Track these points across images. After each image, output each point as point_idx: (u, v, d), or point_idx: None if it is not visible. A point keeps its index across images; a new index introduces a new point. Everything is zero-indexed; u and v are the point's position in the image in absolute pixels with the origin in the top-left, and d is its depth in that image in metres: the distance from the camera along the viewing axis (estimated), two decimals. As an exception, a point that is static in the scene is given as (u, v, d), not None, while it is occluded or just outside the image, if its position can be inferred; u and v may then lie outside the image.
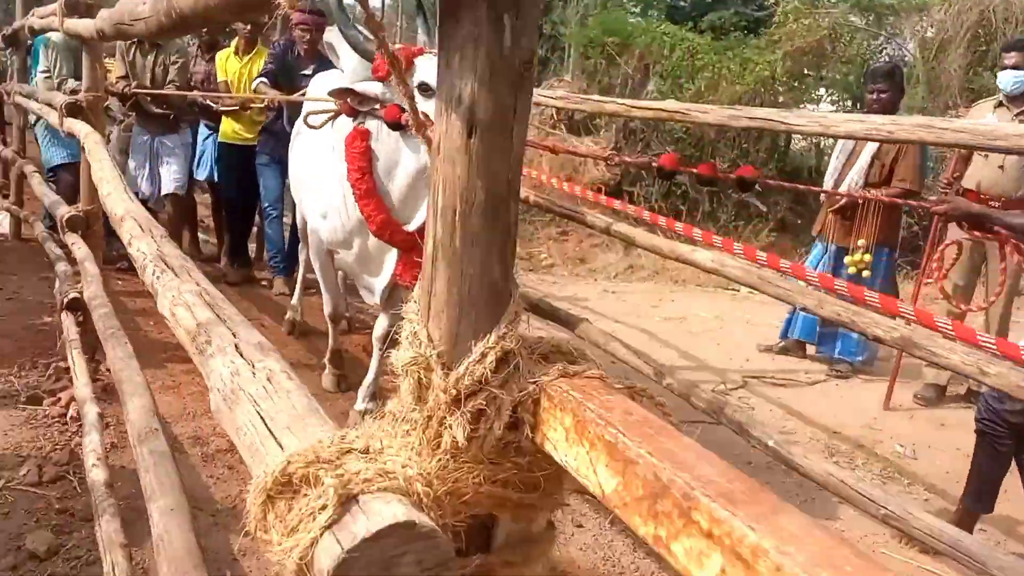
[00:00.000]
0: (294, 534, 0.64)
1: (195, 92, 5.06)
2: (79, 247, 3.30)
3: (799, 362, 4.68)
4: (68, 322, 3.08)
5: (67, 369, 2.96)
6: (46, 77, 4.99)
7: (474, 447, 0.80)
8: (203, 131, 5.35)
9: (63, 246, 3.71)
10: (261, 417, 0.80)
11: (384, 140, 2.68)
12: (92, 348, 3.00)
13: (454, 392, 0.80)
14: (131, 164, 5.12)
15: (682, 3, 18.35)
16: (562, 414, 0.78)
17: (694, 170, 2.64)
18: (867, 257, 4.25)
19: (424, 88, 2.39)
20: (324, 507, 0.63)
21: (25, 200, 5.70)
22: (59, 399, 2.95)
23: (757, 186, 5.44)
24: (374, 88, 2.61)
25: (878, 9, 12.28)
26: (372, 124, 2.71)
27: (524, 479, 0.82)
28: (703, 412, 2.43)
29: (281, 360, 0.95)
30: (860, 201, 4.26)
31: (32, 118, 5.35)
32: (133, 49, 5.02)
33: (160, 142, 5.14)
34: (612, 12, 15.17)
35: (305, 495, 0.65)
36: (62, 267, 3.61)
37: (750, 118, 2.21)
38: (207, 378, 0.99)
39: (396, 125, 2.51)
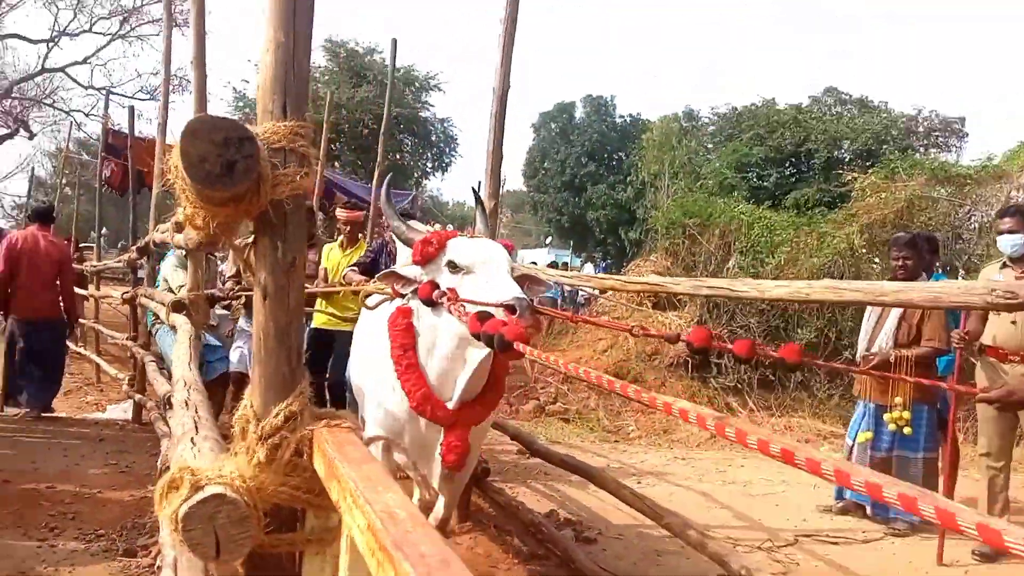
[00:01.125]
0: (171, 505, 1.15)
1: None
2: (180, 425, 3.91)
3: (858, 522, 4.69)
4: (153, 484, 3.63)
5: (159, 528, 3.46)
6: (164, 281, 5.94)
7: (273, 465, 1.41)
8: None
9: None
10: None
11: (424, 318, 2.74)
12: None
13: (261, 433, 1.46)
14: (242, 344, 5.80)
15: (766, 184, 19.19)
16: (319, 447, 1.40)
17: (729, 347, 2.33)
18: (905, 414, 4.40)
19: (452, 265, 2.60)
20: (184, 491, 1.17)
21: (147, 388, 6.54)
22: (149, 551, 3.45)
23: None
24: (414, 271, 2.78)
25: (956, 180, 12.50)
26: (414, 303, 2.77)
27: (309, 487, 1.41)
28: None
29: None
30: (892, 361, 4.48)
31: (150, 318, 6.25)
32: (248, 250, 5.73)
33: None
34: (692, 195, 16.02)
35: (177, 488, 1.14)
36: (165, 442, 4.21)
37: (709, 287, 2.62)
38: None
39: (428, 302, 2.59)
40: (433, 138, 25.26)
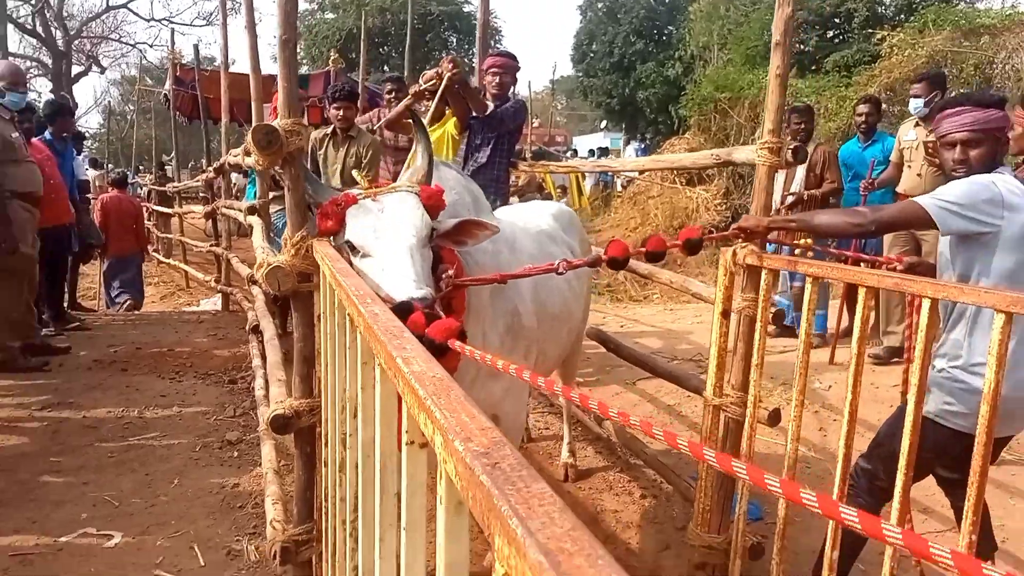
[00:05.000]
0: (260, 271, 2.57)
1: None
2: (256, 295, 5.50)
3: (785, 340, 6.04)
4: (253, 340, 5.25)
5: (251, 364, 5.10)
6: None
7: (297, 256, 2.53)
8: None
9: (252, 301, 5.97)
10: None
11: None
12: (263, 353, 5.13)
13: (292, 244, 2.52)
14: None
15: (807, 48, 19.48)
16: (315, 246, 2.65)
17: (642, 249, 2.63)
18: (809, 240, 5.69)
19: (351, 246, 2.16)
20: (264, 267, 2.58)
21: (233, 280, 8.25)
22: (246, 380, 5.11)
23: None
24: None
25: (980, 30, 12.87)
26: None
27: (313, 263, 2.61)
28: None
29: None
30: (805, 199, 5.78)
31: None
32: (326, 143, 5.39)
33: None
34: (721, 70, 16.67)
35: (262, 266, 2.57)
36: (251, 314, 5.83)
37: (593, 164, 3.93)
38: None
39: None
40: (477, 32, 26.00)
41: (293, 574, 2.51)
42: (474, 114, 4.85)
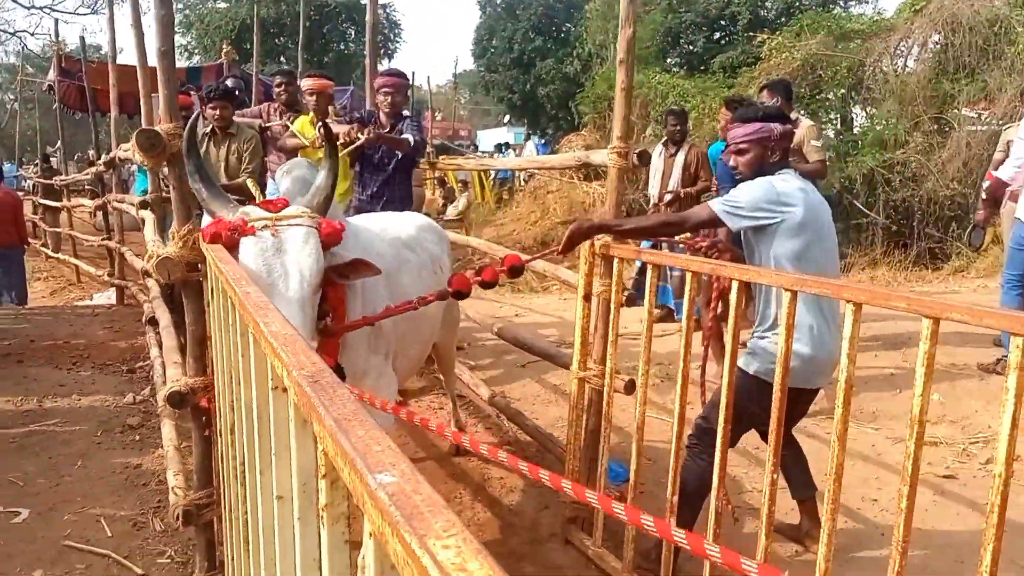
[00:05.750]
0: (151, 263, 2.80)
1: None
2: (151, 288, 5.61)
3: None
4: (150, 330, 5.37)
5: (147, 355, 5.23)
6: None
7: (185, 247, 2.78)
8: None
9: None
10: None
11: None
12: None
13: (180, 236, 2.87)
14: None
15: (696, 50, 20.44)
16: (202, 237, 2.91)
17: (477, 279, 2.97)
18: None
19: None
20: (155, 258, 2.79)
21: (127, 274, 8.23)
22: (144, 369, 5.24)
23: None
24: None
25: (850, 36, 13.83)
26: None
27: (200, 255, 2.87)
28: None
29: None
30: (682, 196, 6.28)
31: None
32: (206, 142, 5.43)
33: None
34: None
35: (151, 258, 2.81)
36: (147, 306, 5.93)
37: (478, 163, 4.25)
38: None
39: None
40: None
41: (196, 535, 2.76)
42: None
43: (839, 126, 14.21)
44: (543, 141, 20.35)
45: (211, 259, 2.10)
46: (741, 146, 2.95)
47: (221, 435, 2.25)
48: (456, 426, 4.41)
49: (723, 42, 20.23)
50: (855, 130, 13.89)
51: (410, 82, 5.25)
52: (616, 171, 3.14)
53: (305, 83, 5.37)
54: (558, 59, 27.16)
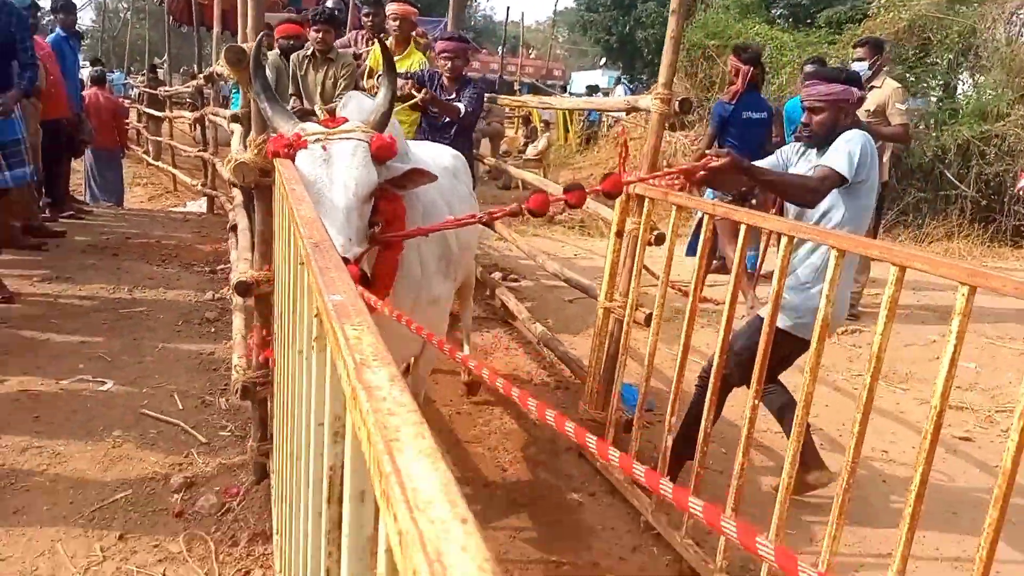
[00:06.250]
0: (229, 165, 3.18)
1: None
2: (236, 197, 6.10)
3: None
4: (232, 236, 5.87)
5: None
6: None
7: (259, 155, 3.20)
8: None
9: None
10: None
11: None
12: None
13: (254, 143, 3.22)
14: None
15: (803, 1, 19.81)
16: (270, 144, 3.27)
17: (563, 198, 2.85)
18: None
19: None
20: (232, 161, 3.17)
21: (218, 185, 8.82)
22: (225, 270, 5.76)
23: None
24: None
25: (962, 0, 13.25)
26: None
27: (271, 164, 3.25)
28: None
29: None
30: None
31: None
32: (306, 64, 5.58)
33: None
34: (713, 15, 16.99)
35: (231, 161, 3.19)
36: (231, 214, 6.45)
37: (543, 103, 4.50)
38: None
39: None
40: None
41: (252, 410, 3.19)
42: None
43: (941, 93, 13.76)
44: (633, 86, 20.18)
45: (276, 165, 2.45)
46: (817, 104, 2.93)
47: (277, 320, 2.64)
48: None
49: (832, -3, 19.54)
50: (958, 98, 13.41)
51: (470, 47, 5.25)
52: (658, 116, 3.35)
53: (389, 8, 5.56)
54: (660, 2, 26.66)
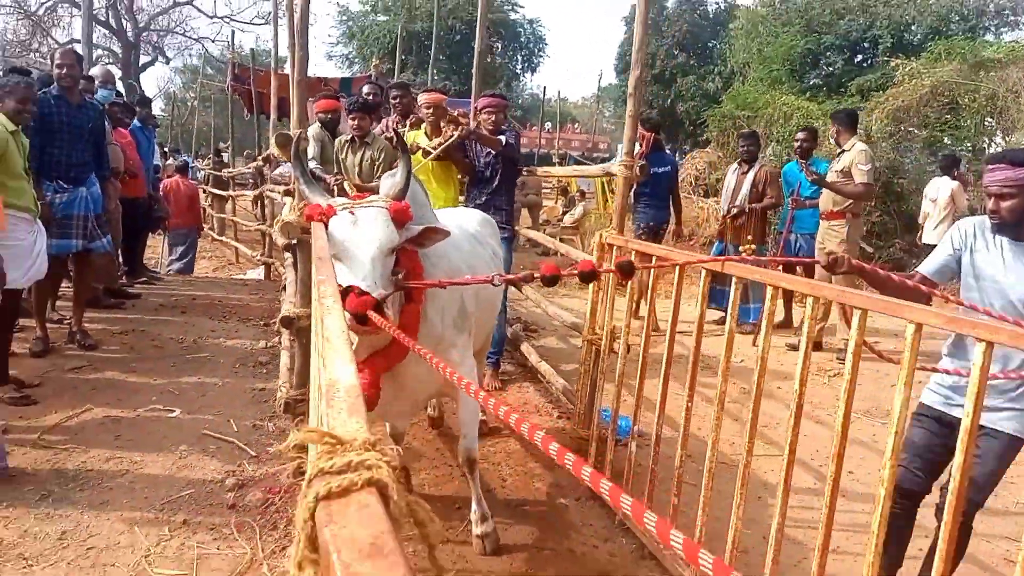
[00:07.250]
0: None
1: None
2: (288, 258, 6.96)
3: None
4: (283, 294, 6.71)
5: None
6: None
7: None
8: None
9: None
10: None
11: None
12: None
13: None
14: None
15: (835, 71, 20.55)
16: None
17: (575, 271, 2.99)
18: (753, 247, 6.94)
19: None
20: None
21: (274, 255, 9.77)
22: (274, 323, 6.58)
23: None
24: None
25: (987, 64, 13.75)
26: None
27: None
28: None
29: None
30: (748, 211, 7.05)
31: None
32: (346, 148, 5.99)
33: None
34: (743, 88, 17.80)
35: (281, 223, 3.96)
36: (284, 276, 7.31)
37: (543, 172, 5.25)
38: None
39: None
40: (522, 39, 27.48)
41: (291, 422, 3.92)
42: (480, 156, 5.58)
43: (970, 154, 14.18)
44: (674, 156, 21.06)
45: (312, 226, 3.20)
46: (1007, 190, 2.72)
47: (315, 348, 3.38)
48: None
49: (863, 64, 20.25)
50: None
51: (508, 103, 5.83)
52: (623, 180, 4.07)
53: (421, 98, 6.02)
54: (699, 76, 27.68)
